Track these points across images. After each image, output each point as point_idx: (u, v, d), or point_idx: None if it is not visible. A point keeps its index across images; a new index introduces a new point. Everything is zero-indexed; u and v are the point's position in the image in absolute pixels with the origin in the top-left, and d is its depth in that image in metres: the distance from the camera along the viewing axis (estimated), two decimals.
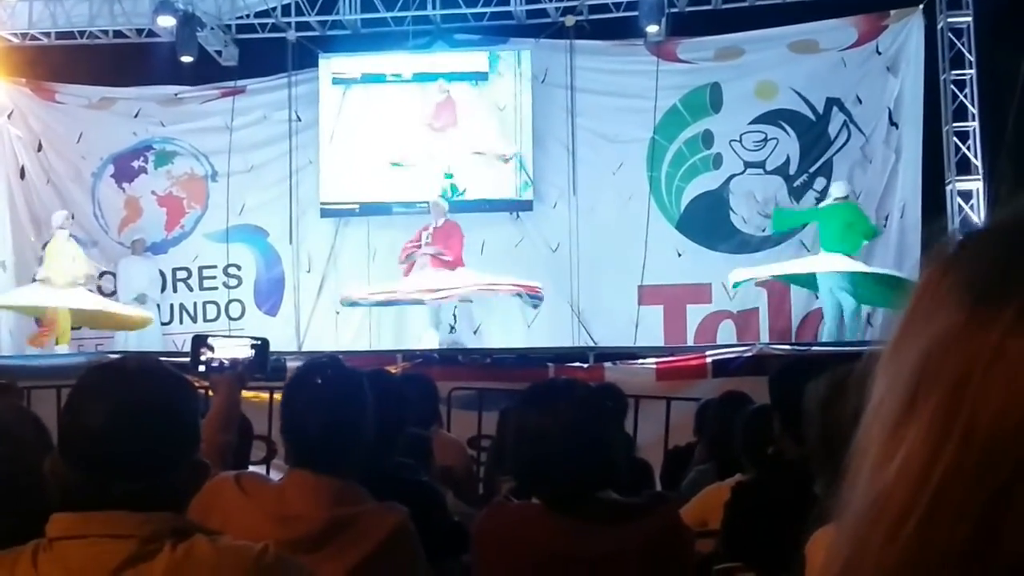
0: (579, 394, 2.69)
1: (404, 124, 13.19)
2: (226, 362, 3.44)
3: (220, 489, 2.59)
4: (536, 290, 11.31)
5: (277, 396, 4.29)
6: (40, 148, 13.79)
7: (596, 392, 2.83)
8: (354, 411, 2.70)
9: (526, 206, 13.07)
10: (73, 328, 11.81)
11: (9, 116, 13.76)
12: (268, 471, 4.88)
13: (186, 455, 2.10)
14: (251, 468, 4.64)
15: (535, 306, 11.74)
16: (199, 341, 3.50)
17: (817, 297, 11.70)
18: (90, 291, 11.92)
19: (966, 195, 12.30)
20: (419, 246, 11.48)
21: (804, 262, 11.28)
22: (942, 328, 0.63)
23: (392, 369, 8.75)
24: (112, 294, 12.75)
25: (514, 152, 13.00)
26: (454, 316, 12.12)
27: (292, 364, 7.88)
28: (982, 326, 0.61)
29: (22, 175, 13.72)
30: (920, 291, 0.66)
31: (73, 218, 12.85)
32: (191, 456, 2.12)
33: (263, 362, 3.50)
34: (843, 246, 10.72)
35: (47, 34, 13.67)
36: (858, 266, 10.74)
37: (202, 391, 3.46)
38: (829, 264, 10.72)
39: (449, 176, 13.01)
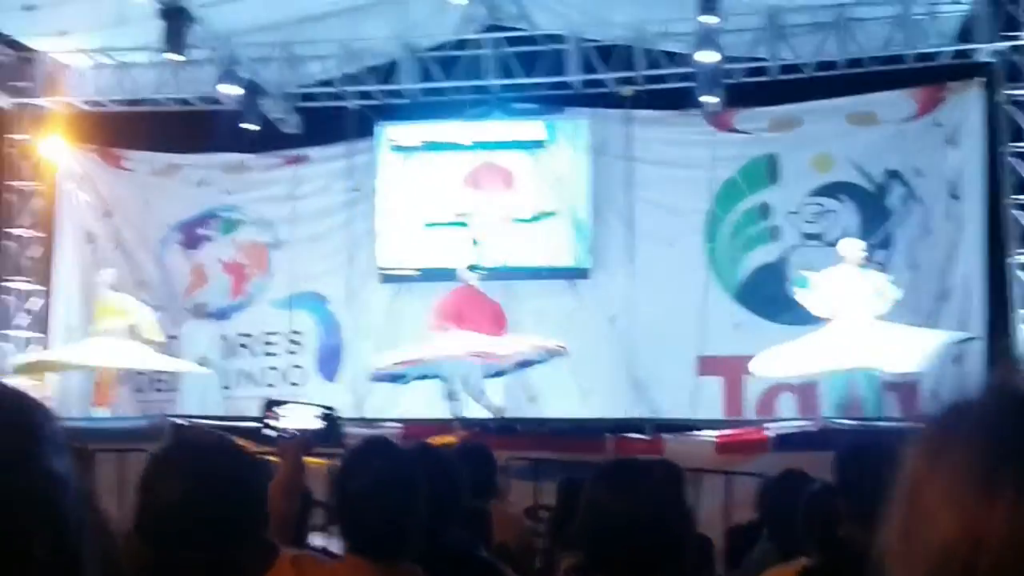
0: (655, 476, 2.67)
1: (460, 192, 13.32)
2: (294, 431, 3.46)
3: (277, 570, 2.59)
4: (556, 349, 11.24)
5: (337, 463, 4.30)
6: (108, 214, 14.08)
7: (672, 472, 2.79)
8: (407, 499, 2.69)
9: (583, 274, 13.09)
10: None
11: (78, 182, 14.07)
12: (327, 540, 4.87)
13: (255, 533, 2.11)
14: (311, 535, 4.65)
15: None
16: (269, 406, 3.52)
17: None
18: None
19: None
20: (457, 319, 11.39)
21: (827, 349, 10.57)
22: (942, 537, 0.62)
23: (449, 438, 8.75)
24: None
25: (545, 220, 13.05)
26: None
27: (350, 431, 7.92)
28: (980, 529, 0.60)
29: (89, 240, 14.01)
30: (912, 487, 0.66)
31: (141, 286, 13.10)
32: (260, 534, 2.14)
33: (331, 433, 3.52)
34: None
35: (114, 101, 13.95)
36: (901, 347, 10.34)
37: (266, 455, 3.49)
38: (860, 352, 10.29)
39: (476, 243, 13.04)
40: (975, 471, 0.61)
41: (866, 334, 10.31)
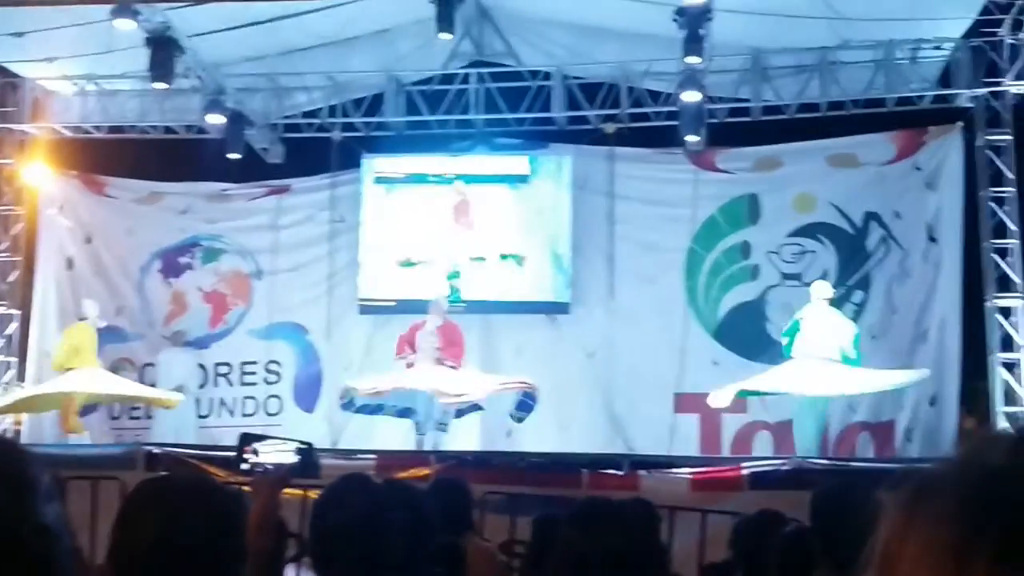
0: (628, 517, 2.69)
1: (442, 224, 13.33)
2: (270, 465, 3.45)
3: None
4: (529, 386, 11.25)
5: (311, 493, 4.29)
6: (89, 240, 14.02)
7: (645, 513, 2.81)
8: (381, 537, 2.69)
9: (563, 309, 13.10)
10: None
11: (60, 208, 14.01)
12: (299, 570, 4.85)
13: (233, 570, 2.11)
14: (287, 566, 4.63)
15: (521, 416, 11.57)
16: (246, 440, 3.51)
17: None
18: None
19: (1006, 312, 12.16)
20: (414, 349, 11.46)
21: (784, 377, 10.83)
22: None
23: (426, 471, 8.74)
24: (152, 386, 12.81)
25: (526, 255, 13.10)
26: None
27: (327, 462, 7.83)
28: None
29: (70, 266, 13.93)
30: (886, 553, 0.66)
31: (119, 312, 13.08)
32: (238, 570, 2.13)
33: (307, 467, 3.52)
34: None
35: (98, 128, 13.96)
36: (859, 383, 10.50)
37: (240, 486, 3.48)
38: (814, 380, 10.46)
39: (454, 276, 13.09)
40: (947, 544, 0.62)
41: (825, 371, 10.40)
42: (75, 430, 11.63)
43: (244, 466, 3.43)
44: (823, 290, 11.10)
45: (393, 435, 12.17)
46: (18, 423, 12.87)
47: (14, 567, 0.72)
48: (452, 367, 11.34)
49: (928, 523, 0.64)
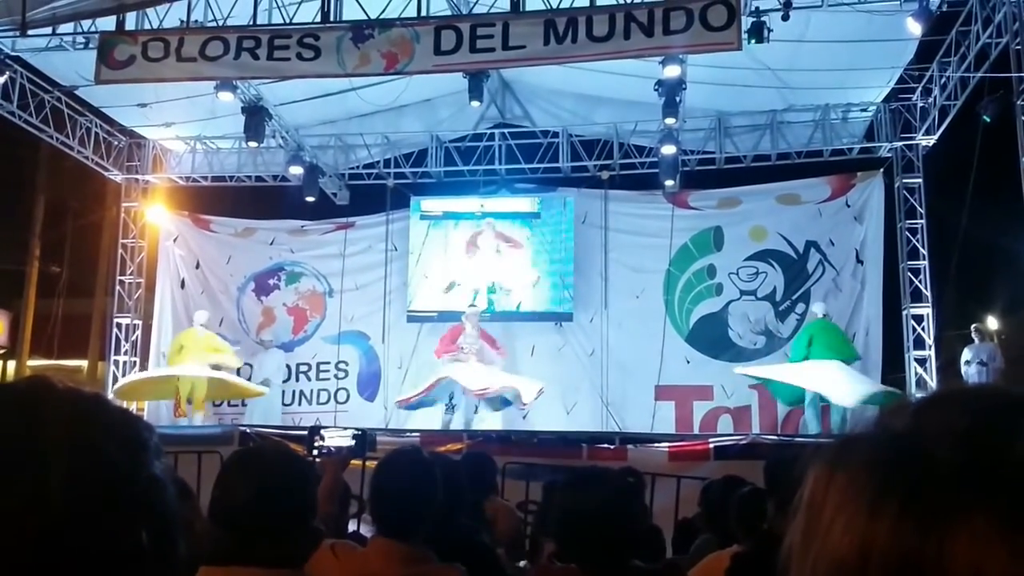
0: (610, 482, 2.67)
1: (473, 251, 13.31)
2: (333, 448, 3.49)
3: (320, 555, 2.59)
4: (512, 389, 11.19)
5: (369, 464, 4.32)
6: (198, 266, 14.07)
7: (624, 479, 2.79)
8: (424, 494, 2.69)
9: (567, 317, 13.06)
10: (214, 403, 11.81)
11: (175, 240, 14.11)
12: (359, 523, 4.86)
13: (306, 523, 2.13)
14: (350, 521, 4.63)
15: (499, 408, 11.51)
16: (314, 431, 3.56)
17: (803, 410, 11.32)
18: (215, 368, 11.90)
19: (918, 318, 12.16)
20: (459, 348, 11.49)
21: (800, 373, 10.57)
22: (836, 546, 0.62)
23: (458, 446, 8.73)
24: (248, 379, 12.83)
25: (539, 275, 13.01)
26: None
27: (382, 439, 7.80)
28: (868, 543, 0.60)
29: (182, 286, 14.01)
30: (812, 501, 0.65)
31: (221, 323, 13.13)
32: (310, 524, 2.15)
33: (362, 449, 3.55)
34: (836, 354, 10.53)
35: (205, 177, 14.08)
36: (847, 388, 10.13)
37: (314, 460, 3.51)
38: (821, 382, 10.19)
39: (491, 291, 13.04)
40: (863, 495, 0.61)
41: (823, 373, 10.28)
42: (184, 416, 11.61)
43: (314, 450, 3.48)
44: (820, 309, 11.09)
45: (433, 418, 12.17)
46: (140, 409, 12.89)
47: (130, 510, 0.74)
48: (494, 359, 11.38)
49: (846, 476, 0.63)
